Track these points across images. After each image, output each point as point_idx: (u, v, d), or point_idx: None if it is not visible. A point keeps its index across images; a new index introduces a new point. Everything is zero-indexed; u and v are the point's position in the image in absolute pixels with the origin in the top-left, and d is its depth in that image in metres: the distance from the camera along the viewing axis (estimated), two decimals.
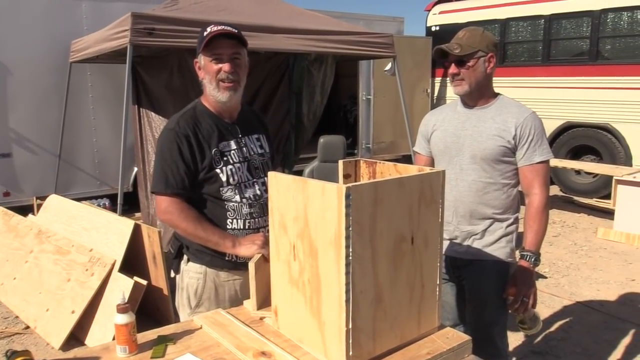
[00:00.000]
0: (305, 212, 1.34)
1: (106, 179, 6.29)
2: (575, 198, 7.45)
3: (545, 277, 4.56)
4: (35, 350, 3.30)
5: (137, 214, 5.67)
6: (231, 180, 1.82)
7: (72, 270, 3.58)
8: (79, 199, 5.49)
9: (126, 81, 3.80)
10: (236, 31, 1.79)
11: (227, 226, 1.82)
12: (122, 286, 3.29)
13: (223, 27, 1.77)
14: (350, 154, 8.49)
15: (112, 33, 4.09)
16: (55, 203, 4.39)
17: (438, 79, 9.30)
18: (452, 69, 2.06)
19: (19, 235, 4.27)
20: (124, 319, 1.44)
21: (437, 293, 1.51)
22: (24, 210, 5.21)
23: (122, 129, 3.76)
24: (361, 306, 1.30)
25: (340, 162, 1.68)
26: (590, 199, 7.32)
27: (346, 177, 1.70)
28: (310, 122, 5.28)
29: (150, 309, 3.50)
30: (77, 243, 3.73)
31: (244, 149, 1.90)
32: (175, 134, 1.78)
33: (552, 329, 3.60)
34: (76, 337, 3.34)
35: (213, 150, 1.81)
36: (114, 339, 1.46)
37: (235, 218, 1.83)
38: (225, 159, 1.83)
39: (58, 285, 3.57)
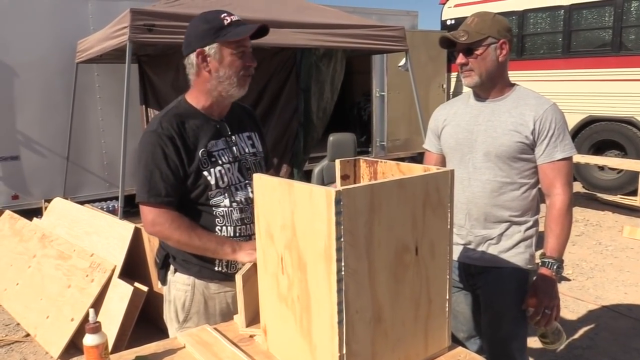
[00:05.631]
0: (293, 219, 1.18)
1: (115, 181, 6.17)
2: (599, 195, 7.15)
3: (569, 280, 4.33)
4: None
5: None
6: (220, 182, 1.67)
7: (73, 275, 3.47)
8: (88, 202, 5.42)
9: (125, 80, 3.67)
10: (257, 27, 1.63)
11: (216, 234, 1.67)
12: (121, 293, 3.17)
13: (238, 18, 1.64)
14: (364, 152, 8.33)
15: (113, 31, 3.98)
16: (59, 206, 4.30)
17: (454, 74, 9.05)
18: (460, 58, 1.87)
19: (23, 240, 4.19)
20: (95, 339, 1.30)
21: (447, 309, 1.33)
22: (33, 213, 5.14)
23: (122, 130, 3.65)
24: (357, 328, 1.13)
25: (337, 162, 1.51)
26: (614, 195, 7.02)
27: (344, 178, 1.53)
28: (320, 119, 5.10)
29: (153, 316, 3.36)
30: (79, 248, 3.62)
31: (234, 148, 1.74)
32: (158, 136, 1.61)
33: (577, 336, 3.38)
34: (76, 345, 3.23)
35: (200, 151, 1.66)
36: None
37: (224, 225, 1.67)
38: (213, 159, 1.67)
39: (59, 291, 3.47)
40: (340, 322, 1.10)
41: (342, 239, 1.06)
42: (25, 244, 4.12)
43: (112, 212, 5.13)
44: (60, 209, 4.26)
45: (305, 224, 1.14)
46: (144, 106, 5.30)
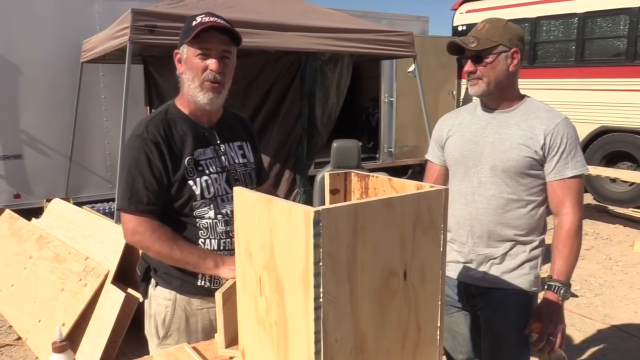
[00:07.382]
0: (271, 238, 1.08)
1: None
2: (610, 208, 6.98)
3: (576, 296, 4.19)
4: None
5: None
6: (206, 193, 1.58)
7: (67, 279, 3.40)
8: (90, 202, 5.37)
9: (125, 80, 3.60)
10: (230, 26, 1.56)
11: (199, 247, 1.58)
12: (113, 299, 3.09)
13: (216, 19, 1.54)
14: (372, 159, 8.23)
15: (115, 31, 3.93)
16: (57, 207, 4.25)
17: (464, 81, 8.92)
18: (468, 65, 1.78)
19: (20, 240, 4.14)
20: (60, 359, 1.22)
21: (438, 337, 1.23)
22: (35, 212, 5.09)
23: (121, 131, 3.58)
24: (337, 358, 1.04)
25: (327, 175, 1.41)
26: (626, 208, 6.85)
27: (334, 192, 1.44)
28: (324, 125, 5.01)
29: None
30: (74, 250, 3.56)
31: (223, 157, 1.65)
32: (143, 141, 1.54)
33: (584, 356, 3.25)
34: None
35: (186, 159, 1.58)
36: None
37: (208, 237, 1.59)
38: (200, 168, 1.59)
39: (52, 295, 3.40)
40: (317, 353, 1.00)
41: (320, 263, 0.97)
42: (22, 245, 4.07)
43: (113, 214, 5.08)
44: (58, 209, 4.21)
45: (284, 244, 1.04)
46: (148, 107, 5.26)
